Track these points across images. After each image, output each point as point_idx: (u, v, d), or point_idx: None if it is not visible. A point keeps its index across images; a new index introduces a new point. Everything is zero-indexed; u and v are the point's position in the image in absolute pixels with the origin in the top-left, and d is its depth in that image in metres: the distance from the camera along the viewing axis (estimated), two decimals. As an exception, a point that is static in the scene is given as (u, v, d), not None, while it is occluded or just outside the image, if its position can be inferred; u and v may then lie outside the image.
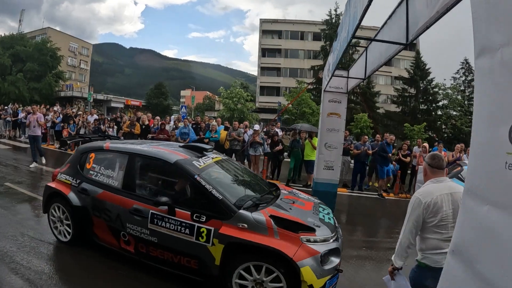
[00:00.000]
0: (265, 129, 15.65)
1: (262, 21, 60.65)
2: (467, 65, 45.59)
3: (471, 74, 44.52)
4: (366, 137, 14.31)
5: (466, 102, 42.56)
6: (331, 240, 4.33)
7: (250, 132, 13.31)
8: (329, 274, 4.07)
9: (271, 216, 4.22)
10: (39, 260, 5.00)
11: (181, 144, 6.00)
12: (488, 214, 1.58)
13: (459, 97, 41.97)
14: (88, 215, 5.24)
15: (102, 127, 15.84)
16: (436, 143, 16.05)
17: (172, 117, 18.96)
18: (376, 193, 12.60)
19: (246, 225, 4.13)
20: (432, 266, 3.14)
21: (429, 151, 12.81)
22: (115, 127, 16.07)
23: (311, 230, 4.23)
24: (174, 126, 14.82)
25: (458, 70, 45.17)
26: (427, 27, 4.64)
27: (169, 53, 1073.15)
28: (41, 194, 8.25)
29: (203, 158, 5.24)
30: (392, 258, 3.40)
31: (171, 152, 5.11)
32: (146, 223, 4.60)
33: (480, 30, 1.69)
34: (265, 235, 4.05)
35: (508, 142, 1.46)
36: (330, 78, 8.81)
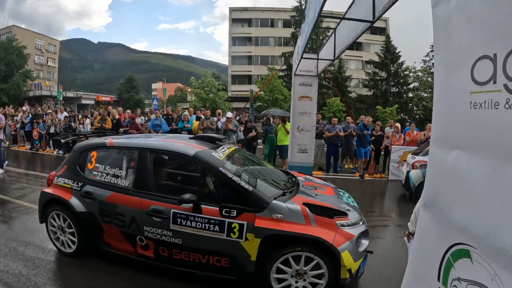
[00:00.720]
0: (237, 117, 15.62)
1: (232, 10, 60.18)
2: (436, 48, 46.25)
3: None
4: (336, 119, 14.39)
5: (437, 84, 43.24)
6: (361, 223, 4.32)
7: (223, 120, 13.21)
8: (362, 256, 4.10)
9: (305, 204, 4.11)
10: (16, 263, 4.77)
11: (191, 136, 5.60)
12: (457, 159, 1.58)
13: (429, 79, 42.61)
14: (95, 221, 4.69)
15: (73, 124, 15.52)
16: (408, 123, 16.30)
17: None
18: (349, 174, 12.82)
19: (281, 216, 3.95)
20: None
21: (401, 131, 13.07)
22: (88, 121, 15.77)
23: (343, 214, 4.18)
24: (146, 119, 14.60)
25: (428, 53, 45.89)
26: (393, 3, 4.67)
27: (139, 46, 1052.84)
28: (14, 196, 8.09)
29: (219, 149, 4.87)
30: (408, 223, 3.64)
31: (186, 144, 4.70)
32: (167, 224, 4.21)
33: None
34: (302, 224, 3.93)
35: (470, 82, 1.45)
36: (300, 60, 8.82)
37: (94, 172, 4.89)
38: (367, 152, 12.54)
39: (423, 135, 12.78)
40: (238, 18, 59.46)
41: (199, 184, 4.72)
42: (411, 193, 9.35)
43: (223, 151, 4.83)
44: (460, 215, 1.55)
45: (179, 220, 4.16)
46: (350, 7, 6.41)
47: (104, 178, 4.77)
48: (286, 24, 53.59)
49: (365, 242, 4.22)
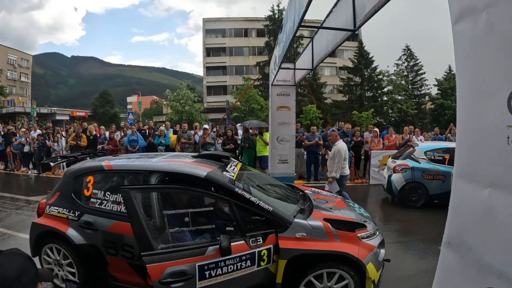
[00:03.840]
0: (214, 130, 15.45)
1: (205, 21, 60.06)
2: (408, 51, 47.58)
3: (412, 60, 47.11)
4: (315, 127, 14.42)
5: (410, 86, 44.82)
6: (377, 233, 4.27)
7: (200, 133, 13.02)
8: (381, 266, 4.06)
9: (326, 220, 3.96)
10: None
11: (194, 154, 5.11)
12: (491, 198, 1.42)
13: (402, 82, 43.74)
14: (98, 254, 4.18)
15: (47, 142, 14.95)
16: (385, 126, 16.50)
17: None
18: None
19: (305, 234, 3.77)
20: (342, 175, 7.49)
21: (380, 135, 13.20)
22: (63, 138, 15.31)
23: (363, 226, 4.11)
24: (122, 134, 14.27)
25: (400, 57, 47.18)
26: (376, 11, 4.58)
27: (113, 59, 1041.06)
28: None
29: (228, 167, 4.44)
30: (332, 174, 7.44)
31: (193, 164, 4.27)
32: (193, 283, 3.45)
33: None
34: (325, 241, 3.80)
35: (508, 113, 1.30)
36: (277, 71, 8.75)
37: (92, 200, 4.36)
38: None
39: (401, 138, 12.96)
40: (212, 28, 59.39)
41: (215, 210, 4.29)
42: (393, 196, 9.51)
43: (233, 170, 4.45)
44: (495, 258, 1.40)
45: (207, 273, 3.50)
46: (328, 15, 6.36)
47: (105, 206, 4.26)
48: (260, 33, 53.85)
49: (383, 252, 4.16)
